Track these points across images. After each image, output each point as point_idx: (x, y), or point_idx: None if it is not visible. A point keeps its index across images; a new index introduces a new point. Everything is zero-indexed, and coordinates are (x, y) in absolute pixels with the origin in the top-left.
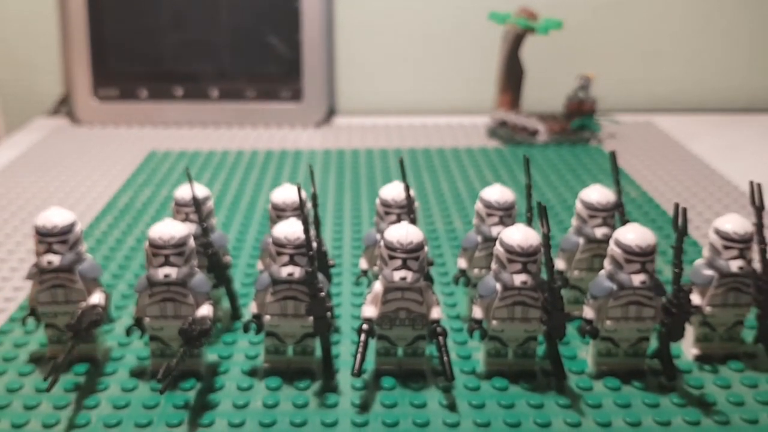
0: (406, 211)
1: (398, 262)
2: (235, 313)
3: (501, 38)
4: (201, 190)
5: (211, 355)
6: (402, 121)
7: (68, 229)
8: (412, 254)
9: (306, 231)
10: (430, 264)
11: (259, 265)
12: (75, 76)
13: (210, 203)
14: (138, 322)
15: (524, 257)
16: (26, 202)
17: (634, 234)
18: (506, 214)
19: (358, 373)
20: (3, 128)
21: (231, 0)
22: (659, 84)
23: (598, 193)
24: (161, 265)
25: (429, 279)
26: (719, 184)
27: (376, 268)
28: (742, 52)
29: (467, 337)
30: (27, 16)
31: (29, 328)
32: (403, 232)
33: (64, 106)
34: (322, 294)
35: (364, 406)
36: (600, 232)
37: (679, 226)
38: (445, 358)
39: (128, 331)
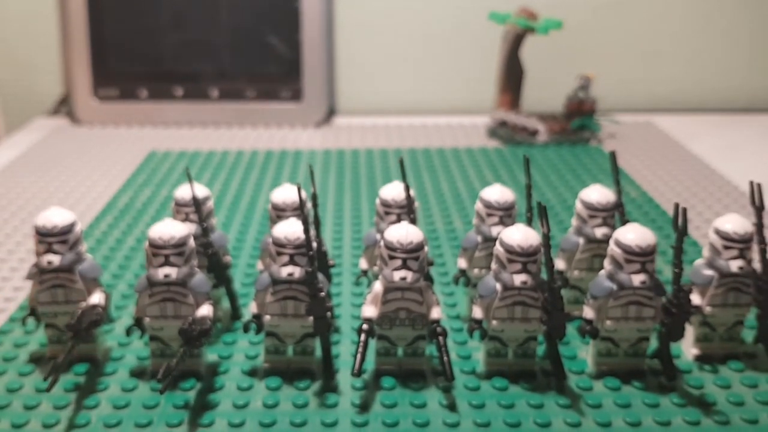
0: (406, 211)
1: (398, 262)
2: (235, 313)
3: (501, 38)
4: (201, 190)
5: (211, 355)
6: (402, 121)
7: (68, 229)
8: (412, 254)
9: (306, 231)
10: (430, 264)
11: (259, 265)
12: (75, 76)
13: (210, 203)
14: (138, 322)
15: (524, 257)
16: (26, 202)
17: (634, 234)
18: (506, 214)
19: (358, 373)
20: (3, 128)
21: (231, 0)
22: (659, 84)
23: (598, 193)
24: (161, 265)
25: (429, 279)
26: (719, 184)
27: (376, 268)
28: (742, 52)
29: (467, 337)
30: (27, 16)
31: (29, 328)
32: (403, 232)
33: (64, 106)
34: (322, 294)
35: (364, 406)
36: (600, 232)
37: (679, 226)
38: (445, 358)
39: (128, 331)
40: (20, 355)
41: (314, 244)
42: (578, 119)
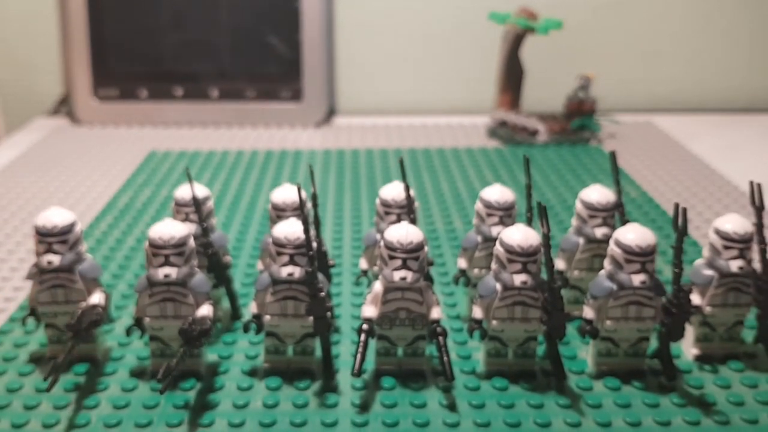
0: (406, 211)
1: (398, 262)
2: (235, 313)
3: (501, 38)
4: (201, 190)
5: (211, 355)
6: (402, 121)
7: (68, 229)
8: (412, 254)
9: (306, 231)
10: (430, 264)
11: (259, 265)
12: (75, 76)
13: (210, 203)
14: (138, 322)
15: (524, 257)
16: (26, 202)
17: (634, 234)
18: (506, 214)
19: (358, 373)
20: (3, 128)
21: (231, 0)
22: (659, 84)
23: (598, 193)
24: (161, 265)
25: (429, 279)
26: (719, 184)
27: (376, 268)
28: (742, 52)
29: (467, 337)
30: (27, 16)
31: (29, 328)
32: (403, 232)
33: (64, 106)
34: (322, 294)
35: (364, 406)
36: (600, 232)
37: (679, 226)
38: (445, 358)
39: (128, 331)
40: (20, 355)
41: (314, 244)
42: (578, 119)
